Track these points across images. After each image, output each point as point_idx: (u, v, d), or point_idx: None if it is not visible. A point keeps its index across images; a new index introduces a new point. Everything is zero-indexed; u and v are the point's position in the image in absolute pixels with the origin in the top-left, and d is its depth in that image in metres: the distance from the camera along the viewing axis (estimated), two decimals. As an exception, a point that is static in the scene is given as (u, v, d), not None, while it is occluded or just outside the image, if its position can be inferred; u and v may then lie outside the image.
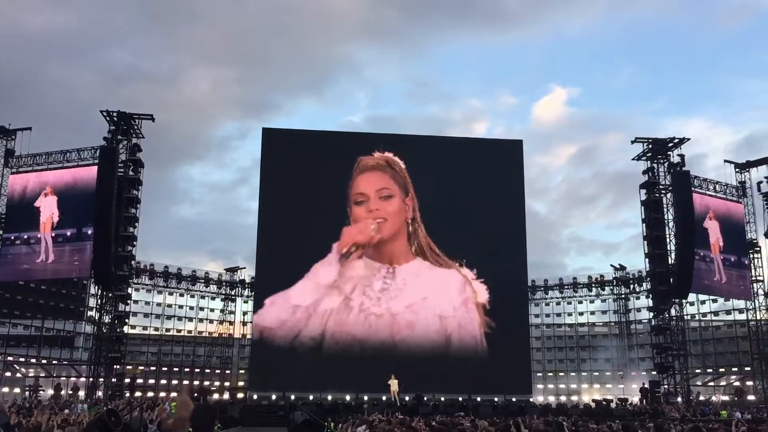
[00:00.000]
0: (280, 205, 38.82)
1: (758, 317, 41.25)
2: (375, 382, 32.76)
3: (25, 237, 36.01)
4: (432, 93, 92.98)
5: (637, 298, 45.02)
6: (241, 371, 44.78)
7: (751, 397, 39.25)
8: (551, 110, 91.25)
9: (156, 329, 43.83)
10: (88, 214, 35.04)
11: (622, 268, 45.49)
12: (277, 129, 43.78)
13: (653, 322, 40.32)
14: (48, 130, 52.02)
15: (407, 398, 31.92)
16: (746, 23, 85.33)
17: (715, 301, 42.65)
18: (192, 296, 44.33)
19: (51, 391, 36.19)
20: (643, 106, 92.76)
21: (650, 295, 41.05)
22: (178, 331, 44.55)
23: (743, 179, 42.42)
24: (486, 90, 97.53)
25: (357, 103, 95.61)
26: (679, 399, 37.09)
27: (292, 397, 33.52)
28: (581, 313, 46.95)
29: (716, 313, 43.74)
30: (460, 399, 33.00)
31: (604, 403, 33.35)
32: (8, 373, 38.34)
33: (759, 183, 41.99)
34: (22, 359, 39.73)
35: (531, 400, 36.34)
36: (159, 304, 43.76)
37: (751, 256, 41.92)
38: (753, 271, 41.67)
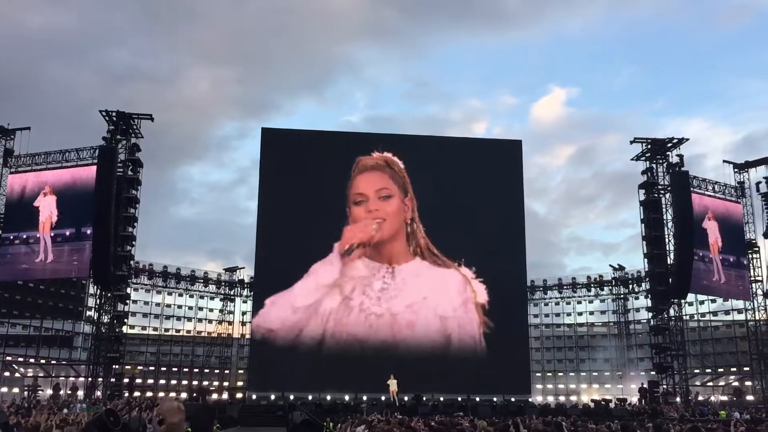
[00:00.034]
0: (279, 205, 38.80)
1: (757, 317, 41.29)
2: (374, 382, 32.73)
3: (24, 237, 35.98)
4: (431, 93, 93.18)
5: (636, 299, 45.08)
6: (240, 371, 44.79)
7: (749, 398, 39.28)
8: (550, 110, 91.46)
9: (155, 329, 43.81)
10: (87, 213, 35.01)
11: (621, 268, 45.54)
12: (277, 129, 43.75)
13: (652, 322, 40.34)
14: (47, 129, 52.12)
15: (406, 398, 31.91)
16: (746, 23, 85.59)
17: (714, 301, 42.70)
18: (191, 296, 44.34)
19: (50, 391, 36.16)
20: (642, 106, 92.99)
21: (649, 296, 41.10)
22: (177, 331, 44.55)
23: (742, 179, 42.46)
24: (485, 90, 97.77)
25: (356, 103, 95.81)
26: (678, 399, 37.11)
27: (291, 397, 33.50)
28: (580, 313, 47.03)
29: (715, 314, 43.81)
30: (459, 399, 33.00)
31: (603, 403, 33.32)
32: (7, 373, 38.31)
33: (758, 183, 42.04)
34: (20, 359, 39.73)
35: (530, 400, 36.30)
36: (158, 304, 43.78)
37: (750, 256, 41.95)
38: (752, 271, 41.69)
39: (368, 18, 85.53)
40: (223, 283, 45.00)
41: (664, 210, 39.63)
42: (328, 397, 33.90)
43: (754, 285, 41.52)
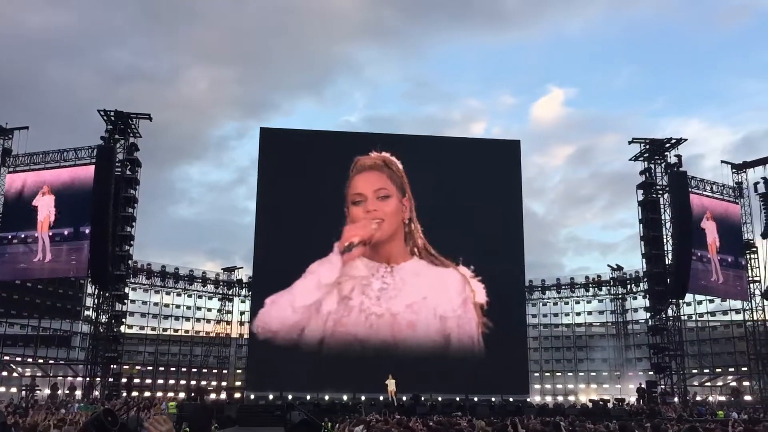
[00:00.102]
0: (278, 205, 38.77)
1: (755, 318, 41.34)
2: (373, 382, 32.70)
3: (23, 236, 35.92)
4: (431, 93, 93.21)
5: (634, 299, 45.14)
6: (238, 371, 44.77)
7: (747, 398, 39.37)
8: (549, 110, 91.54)
9: (153, 329, 43.78)
10: (85, 213, 34.97)
11: (619, 268, 45.60)
12: (275, 129, 43.73)
13: (650, 323, 40.37)
14: (46, 129, 52.11)
15: (404, 398, 31.92)
16: (746, 23, 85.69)
17: (712, 301, 42.78)
18: (189, 296, 44.34)
19: (48, 391, 36.11)
20: (641, 107, 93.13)
21: (647, 296, 41.16)
22: (175, 330, 44.53)
23: (740, 180, 42.54)
24: (485, 90, 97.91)
25: (355, 102, 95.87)
26: (676, 399, 37.17)
27: (290, 396, 33.53)
28: (578, 314, 47.08)
29: (713, 314, 43.89)
30: (458, 399, 33.05)
31: (601, 403, 33.37)
32: (5, 373, 38.26)
33: (756, 184, 42.09)
34: (18, 359, 39.68)
35: (528, 400, 36.37)
36: (156, 304, 43.75)
37: (748, 256, 42.00)
38: (750, 271, 41.74)
39: (368, 18, 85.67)
40: (221, 283, 44.99)
41: (662, 210, 39.66)
42: (327, 397, 33.90)
43: (752, 285, 41.57)
